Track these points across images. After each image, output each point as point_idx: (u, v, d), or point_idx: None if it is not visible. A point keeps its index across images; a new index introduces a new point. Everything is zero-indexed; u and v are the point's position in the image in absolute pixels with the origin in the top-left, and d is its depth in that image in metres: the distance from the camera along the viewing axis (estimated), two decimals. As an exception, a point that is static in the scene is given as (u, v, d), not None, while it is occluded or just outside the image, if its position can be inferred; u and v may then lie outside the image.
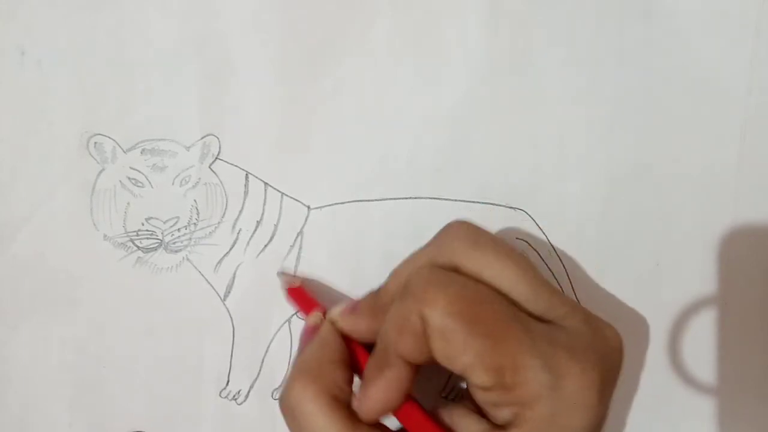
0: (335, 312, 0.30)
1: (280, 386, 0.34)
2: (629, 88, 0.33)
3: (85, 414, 0.35)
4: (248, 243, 0.34)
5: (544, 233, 0.33)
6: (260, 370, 0.34)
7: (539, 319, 0.26)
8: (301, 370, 0.27)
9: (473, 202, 0.33)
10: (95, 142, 0.33)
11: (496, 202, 0.33)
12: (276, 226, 0.34)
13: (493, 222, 0.33)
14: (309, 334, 0.30)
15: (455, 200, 0.33)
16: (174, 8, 0.33)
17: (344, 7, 0.33)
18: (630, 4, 0.32)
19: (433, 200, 0.34)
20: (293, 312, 0.34)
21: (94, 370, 0.34)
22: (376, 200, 0.34)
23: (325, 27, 0.33)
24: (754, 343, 0.34)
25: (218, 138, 0.33)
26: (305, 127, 0.33)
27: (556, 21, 0.33)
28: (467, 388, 0.28)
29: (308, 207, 0.34)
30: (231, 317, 0.34)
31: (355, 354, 0.29)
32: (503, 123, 0.33)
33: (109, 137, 0.33)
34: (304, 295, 0.32)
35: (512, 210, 0.33)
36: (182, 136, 0.33)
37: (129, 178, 0.33)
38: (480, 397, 0.26)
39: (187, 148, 0.33)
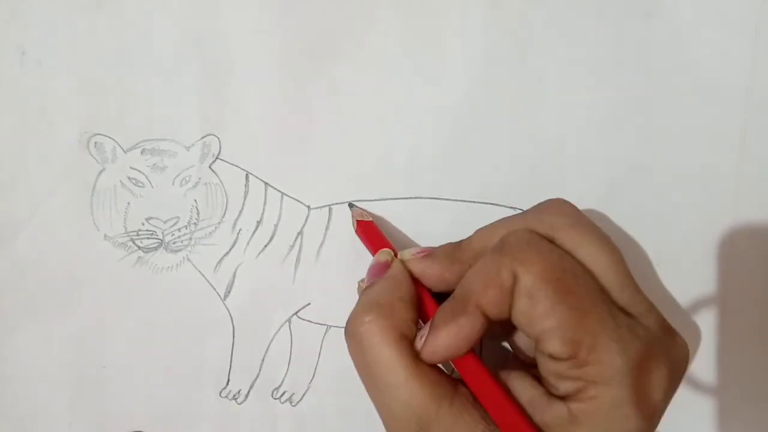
0: (407, 253, 0.30)
1: (280, 386, 0.34)
2: (629, 88, 0.33)
3: (85, 414, 0.35)
4: (248, 243, 0.34)
5: (544, 233, 0.33)
6: (260, 370, 0.34)
7: (621, 311, 0.26)
8: (371, 303, 0.27)
9: (473, 202, 0.33)
10: (95, 142, 0.33)
11: (496, 202, 0.33)
12: (276, 226, 0.34)
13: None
14: (376, 269, 0.30)
15: (455, 200, 0.34)
16: (174, 8, 0.33)
17: (344, 7, 0.33)
18: (630, 4, 0.32)
19: (433, 200, 0.34)
20: (293, 312, 0.34)
21: (94, 370, 0.34)
22: (376, 200, 0.34)
23: (325, 27, 0.33)
24: (754, 343, 0.34)
25: (218, 138, 0.33)
26: (305, 127, 0.33)
27: (556, 21, 0.33)
28: (526, 356, 0.28)
29: (308, 207, 0.34)
30: (231, 317, 0.34)
31: (421, 299, 0.29)
32: (503, 123, 0.33)
33: (110, 137, 0.33)
34: (374, 230, 0.32)
35: (512, 210, 0.33)
36: (182, 136, 0.33)
37: (129, 178, 0.33)
38: (547, 365, 0.26)
39: (188, 148, 0.33)
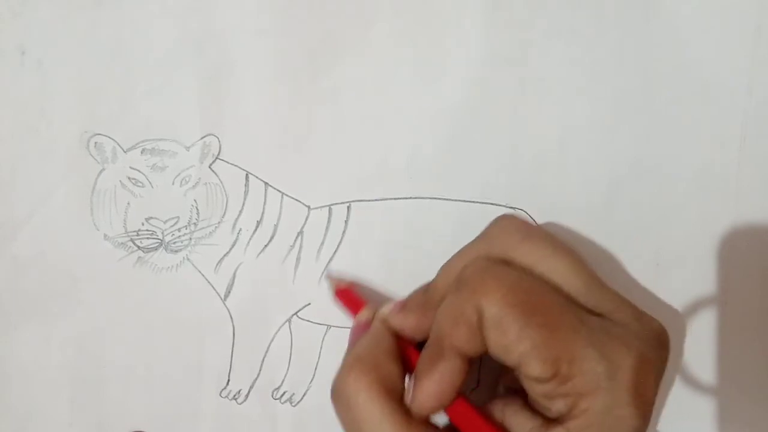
0: (385, 310, 0.30)
1: (280, 386, 0.34)
2: (629, 88, 0.33)
3: (85, 414, 0.35)
4: (248, 243, 0.34)
5: (544, 233, 0.33)
6: (260, 370, 0.34)
7: (591, 313, 0.26)
8: (356, 361, 0.27)
9: (473, 202, 0.33)
10: (95, 142, 0.33)
11: (496, 202, 0.33)
12: (276, 226, 0.34)
13: (493, 222, 0.33)
14: (359, 330, 0.30)
15: (455, 200, 0.33)
16: (174, 8, 0.33)
17: (344, 6, 0.33)
18: (630, 4, 0.32)
19: (433, 200, 0.34)
20: (293, 312, 0.34)
21: (94, 370, 0.34)
22: (376, 200, 0.34)
23: (326, 27, 0.33)
24: (754, 343, 0.34)
25: (218, 138, 0.33)
26: (305, 127, 0.33)
27: (556, 21, 0.33)
28: (515, 384, 0.27)
29: (308, 207, 0.34)
30: (231, 317, 0.34)
31: (405, 352, 0.29)
32: (503, 123, 0.33)
33: (110, 137, 0.33)
34: (351, 296, 0.32)
35: (512, 210, 0.33)
36: (182, 136, 0.33)
37: (129, 178, 0.33)
38: (534, 389, 0.25)
39: (188, 148, 0.33)
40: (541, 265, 0.26)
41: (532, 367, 0.24)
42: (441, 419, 0.28)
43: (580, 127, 0.33)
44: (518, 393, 0.28)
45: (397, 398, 0.26)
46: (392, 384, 0.27)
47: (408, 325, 0.29)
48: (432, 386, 0.26)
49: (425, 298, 0.29)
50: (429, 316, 0.28)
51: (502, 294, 0.25)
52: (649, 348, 0.26)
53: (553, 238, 0.27)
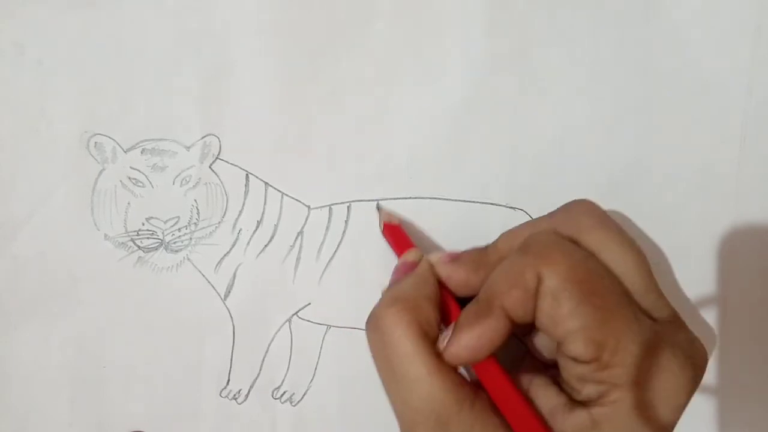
0: (434, 256, 0.29)
1: (280, 386, 0.34)
2: (629, 88, 0.33)
3: (85, 414, 0.35)
4: (248, 243, 0.34)
5: (544, 233, 0.33)
6: (260, 370, 0.34)
7: (645, 314, 0.26)
8: (396, 298, 0.27)
9: (473, 202, 0.33)
10: (95, 142, 0.33)
11: (496, 202, 0.33)
12: (276, 226, 0.34)
13: (493, 222, 0.33)
14: (404, 268, 0.29)
15: (455, 200, 0.33)
16: (174, 8, 0.33)
17: (344, 6, 0.33)
18: (630, 4, 0.32)
19: (433, 200, 0.34)
20: (293, 312, 0.34)
21: (94, 370, 0.34)
22: (376, 200, 0.34)
23: (326, 27, 0.33)
24: (754, 343, 0.34)
25: (218, 138, 0.33)
26: (305, 127, 0.33)
27: (556, 21, 0.33)
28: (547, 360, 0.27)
29: (308, 207, 0.34)
30: (231, 317, 0.34)
31: (444, 302, 0.28)
32: (503, 123, 0.33)
33: (110, 137, 0.33)
34: (400, 233, 0.31)
35: (512, 210, 0.33)
36: (182, 136, 0.33)
37: (129, 178, 0.33)
38: (570, 368, 0.25)
39: (188, 148, 0.33)
40: (607, 254, 0.26)
41: (575, 346, 0.24)
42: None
43: (580, 127, 0.33)
44: (548, 369, 0.28)
45: (430, 341, 0.26)
46: (429, 327, 0.26)
47: (457, 277, 0.28)
48: (471, 340, 0.25)
49: (480, 255, 0.29)
50: (480, 274, 0.28)
51: (567, 267, 0.25)
52: (692, 362, 0.25)
53: (625, 234, 0.27)
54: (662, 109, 0.33)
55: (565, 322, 0.24)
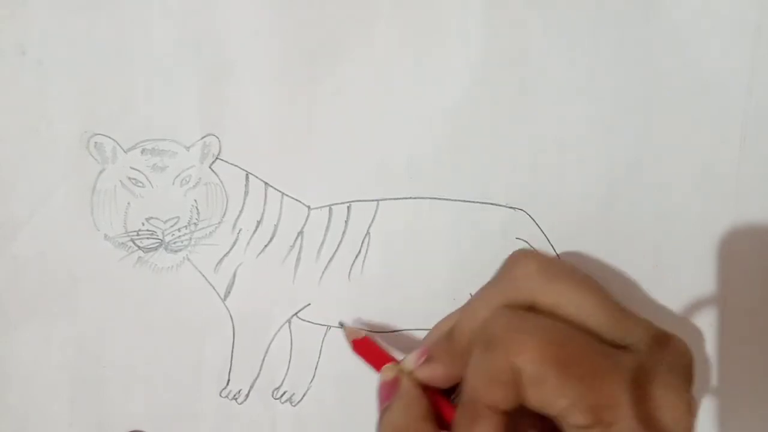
0: (409, 363, 0.29)
1: (280, 386, 0.34)
2: (629, 88, 0.33)
3: (85, 414, 0.35)
4: (248, 243, 0.34)
5: (544, 233, 0.33)
6: (260, 370, 0.34)
7: (618, 346, 0.26)
8: (392, 429, 0.27)
9: (473, 202, 0.33)
10: (95, 142, 0.33)
11: (496, 202, 0.33)
12: (276, 226, 0.34)
13: (493, 222, 0.33)
14: (386, 389, 0.29)
15: (455, 200, 0.33)
16: (174, 8, 0.33)
17: (344, 7, 0.33)
18: (630, 4, 0.32)
19: (433, 200, 0.34)
20: (293, 312, 0.34)
21: (94, 370, 0.34)
22: (376, 200, 0.34)
23: (326, 27, 0.33)
24: (754, 343, 0.34)
25: (218, 138, 0.33)
26: (305, 127, 0.33)
27: (556, 21, 0.33)
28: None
29: (308, 207, 0.34)
30: (231, 317, 0.34)
31: (436, 404, 0.28)
32: (503, 123, 0.33)
33: (110, 137, 0.33)
34: (372, 346, 0.32)
35: (512, 210, 0.33)
36: (182, 136, 0.33)
37: (129, 178, 0.33)
38: None
39: (188, 148, 0.33)
40: (566, 306, 0.26)
41: (574, 418, 0.24)
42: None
43: (580, 127, 0.33)
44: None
45: None
46: None
47: (437, 377, 0.28)
48: None
49: (450, 346, 0.28)
50: (457, 365, 0.27)
51: (537, 351, 0.24)
52: (680, 376, 0.26)
53: (574, 273, 0.27)
54: (662, 109, 0.33)
55: (556, 402, 0.24)
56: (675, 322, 0.33)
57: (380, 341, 0.32)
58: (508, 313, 0.26)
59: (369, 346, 0.32)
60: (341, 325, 0.33)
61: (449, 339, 0.28)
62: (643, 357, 0.26)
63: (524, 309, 0.26)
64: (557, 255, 0.33)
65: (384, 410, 0.29)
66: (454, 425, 0.27)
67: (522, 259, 0.28)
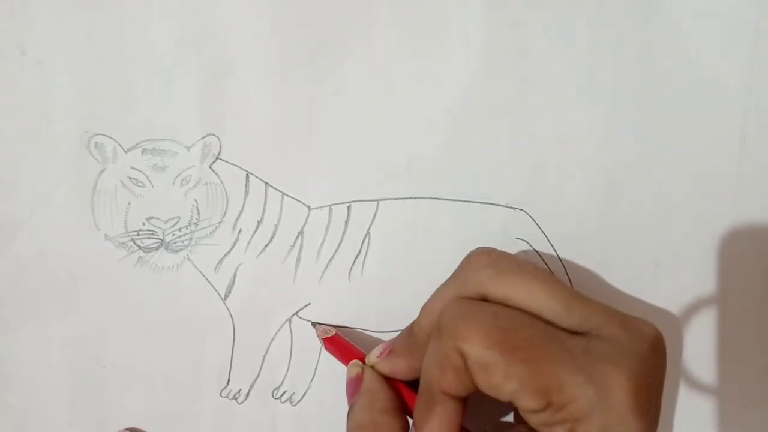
0: (373, 357, 0.31)
1: (280, 386, 0.34)
2: (629, 88, 0.33)
3: (85, 414, 0.35)
4: (249, 243, 0.34)
5: (544, 233, 0.33)
6: (261, 370, 0.34)
7: (576, 333, 0.26)
8: (357, 427, 0.28)
9: (473, 202, 0.33)
10: (96, 142, 0.33)
11: (496, 202, 0.33)
12: (276, 226, 0.34)
13: (493, 222, 0.33)
14: (352, 385, 0.31)
15: (455, 200, 0.34)
16: (174, 8, 0.33)
17: (344, 7, 0.33)
18: (630, 3, 0.32)
19: (433, 200, 0.34)
20: (293, 312, 0.34)
21: (94, 370, 0.34)
22: (376, 200, 0.34)
23: (326, 27, 0.33)
24: (754, 343, 0.34)
25: (219, 138, 0.33)
26: (305, 127, 0.33)
27: (556, 21, 0.33)
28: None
29: (309, 207, 0.34)
30: (231, 317, 0.34)
31: (401, 395, 0.30)
32: (503, 123, 0.33)
33: (110, 137, 0.33)
34: (341, 343, 0.33)
35: (512, 210, 0.33)
36: (183, 136, 0.33)
37: (130, 178, 0.33)
38: (532, 419, 0.26)
39: (188, 148, 0.33)
40: (516, 296, 0.26)
41: (524, 402, 0.25)
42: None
43: (580, 127, 0.33)
44: (521, 421, 0.28)
45: None
46: None
47: (398, 369, 0.30)
48: None
49: (410, 340, 0.29)
50: (417, 358, 0.28)
51: (482, 336, 0.25)
52: (639, 359, 0.26)
53: (523, 266, 0.27)
54: (662, 109, 0.33)
55: (505, 386, 0.25)
56: (675, 321, 0.33)
57: (353, 339, 0.33)
58: (457, 303, 0.27)
59: (339, 343, 0.33)
60: (313, 324, 0.34)
61: (410, 333, 0.30)
62: (598, 340, 0.26)
63: (476, 300, 0.27)
64: (557, 255, 0.33)
65: (350, 406, 0.30)
66: (414, 413, 0.27)
67: (474, 255, 0.28)
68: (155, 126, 0.33)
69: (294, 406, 0.35)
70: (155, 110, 0.33)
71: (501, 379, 0.25)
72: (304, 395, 0.35)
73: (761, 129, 0.33)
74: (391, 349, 0.30)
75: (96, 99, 0.33)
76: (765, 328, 0.34)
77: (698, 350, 0.34)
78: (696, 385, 0.34)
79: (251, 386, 0.34)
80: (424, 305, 0.29)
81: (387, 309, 0.34)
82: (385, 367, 0.30)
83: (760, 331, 0.34)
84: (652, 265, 0.33)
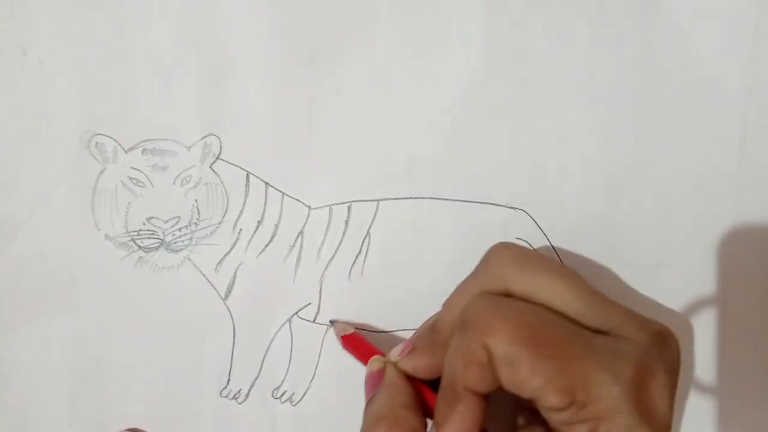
0: (394, 355, 0.30)
1: (280, 385, 0.34)
2: (629, 88, 0.33)
3: (85, 414, 0.35)
4: (249, 243, 0.34)
5: (544, 233, 0.33)
6: (261, 370, 0.34)
7: (597, 332, 0.26)
8: (376, 418, 0.27)
9: (473, 202, 0.34)
10: (96, 142, 0.33)
11: (496, 202, 0.33)
12: (277, 226, 0.34)
13: (493, 222, 0.33)
14: (373, 380, 0.30)
15: (455, 200, 0.34)
16: (174, 8, 0.33)
17: (344, 7, 0.33)
18: (630, 3, 0.32)
19: (433, 200, 0.34)
20: (293, 312, 0.34)
21: (94, 370, 0.34)
22: (376, 200, 0.34)
23: (326, 27, 0.33)
24: (754, 343, 0.34)
25: (219, 138, 0.33)
26: (305, 127, 0.33)
27: (556, 21, 0.33)
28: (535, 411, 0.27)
29: (309, 207, 0.34)
30: (232, 317, 0.34)
31: (422, 394, 0.29)
32: (503, 123, 0.33)
33: (110, 137, 0.33)
34: (360, 341, 0.32)
35: (512, 210, 0.33)
36: (183, 136, 0.33)
37: (130, 178, 0.33)
38: (553, 417, 0.25)
39: (188, 148, 0.33)
40: (541, 293, 0.26)
41: (548, 399, 0.24)
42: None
43: (580, 127, 0.33)
44: (539, 420, 0.28)
45: None
46: None
47: (420, 367, 0.29)
48: (454, 430, 0.26)
49: (433, 337, 0.29)
50: (439, 356, 0.28)
51: (509, 331, 0.25)
52: (661, 360, 0.26)
53: (549, 263, 0.27)
54: (662, 109, 0.33)
55: (529, 383, 0.24)
56: (675, 322, 0.33)
57: (369, 338, 0.33)
58: (482, 298, 0.27)
59: (357, 342, 0.32)
60: (331, 322, 0.34)
61: (432, 331, 0.29)
62: (621, 340, 0.26)
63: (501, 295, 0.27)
64: (557, 255, 0.33)
65: (369, 399, 0.29)
66: (435, 410, 0.27)
67: (497, 250, 0.28)
68: (155, 126, 0.33)
69: (294, 406, 0.35)
70: (155, 110, 0.33)
71: (527, 375, 0.24)
72: (304, 395, 0.35)
73: (761, 129, 0.33)
74: (413, 346, 0.30)
75: (96, 99, 0.33)
76: (765, 328, 0.34)
77: (698, 350, 0.34)
78: (696, 385, 0.34)
79: (251, 386, 0.34)
80: (446, 301, 0.29)
81: (387, 309, 0.34)
82: (407, 366, 0.29)
83: (760, 331, 0.34)
84: (652, 264, 0.33)
